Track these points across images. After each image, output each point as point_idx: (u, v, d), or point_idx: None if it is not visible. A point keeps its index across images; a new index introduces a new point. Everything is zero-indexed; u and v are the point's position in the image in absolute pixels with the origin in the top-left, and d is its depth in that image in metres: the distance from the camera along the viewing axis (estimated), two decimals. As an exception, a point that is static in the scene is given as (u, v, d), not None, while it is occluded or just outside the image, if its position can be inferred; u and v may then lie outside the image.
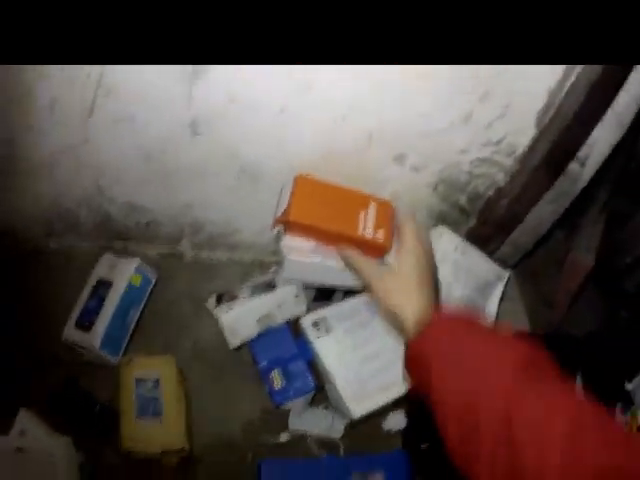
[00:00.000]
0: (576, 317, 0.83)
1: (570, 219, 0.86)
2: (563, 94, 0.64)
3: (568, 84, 0.63)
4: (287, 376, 0.70)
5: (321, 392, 0.73)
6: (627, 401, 0.87)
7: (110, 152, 0.67)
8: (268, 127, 0.64)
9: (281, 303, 0.72)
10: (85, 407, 0.73)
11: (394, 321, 0.51)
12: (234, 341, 0.70)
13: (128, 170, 0.69)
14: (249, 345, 0.73)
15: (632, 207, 0.90)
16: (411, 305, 0.49)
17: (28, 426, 0.72)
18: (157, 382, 0.71)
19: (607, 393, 0.84)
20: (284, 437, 0.71)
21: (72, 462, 0.68)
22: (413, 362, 0.47)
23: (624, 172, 0.88)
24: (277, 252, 0.64)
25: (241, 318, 0.69)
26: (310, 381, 0.70)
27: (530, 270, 0.84)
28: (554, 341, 0.80)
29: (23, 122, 0.65)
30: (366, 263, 0.56)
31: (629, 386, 0.88)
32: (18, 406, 0.71)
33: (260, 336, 0.72)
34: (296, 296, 0.72)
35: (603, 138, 0.73)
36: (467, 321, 0.48)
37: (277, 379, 0.69)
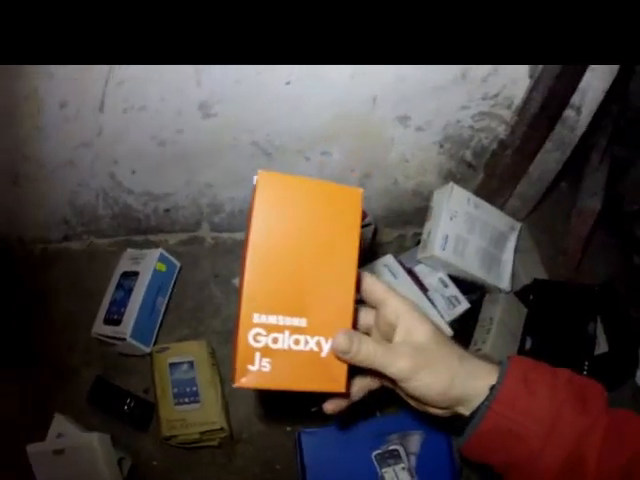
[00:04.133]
0: (592, 265, 0.85)
1: (574, 170, 0.88)
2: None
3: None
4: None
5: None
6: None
7: (124, 142, 0.69)
8: (275, 101, 0.66)
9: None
10: (119, 402, 0.74)
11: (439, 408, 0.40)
12: None
13: (144, 158, 0.71)
14: None
15: (632, 155, 0.93)
16: (451, 380, 0.38)
17: (64, 428, 0.74)
18: (191, 364, 0.72)
19: (626, 339, 0.85)
20: (315, 408, 0.72)
21: (110, 458, 0.69)
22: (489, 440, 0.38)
23: (622, 121, 0.91)
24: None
25: None
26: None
27: (541, 221, 0.85)
28: (571, 291, 0.81)
29: (33, 123, 0.67)
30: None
31: (651, 330, 0.88)
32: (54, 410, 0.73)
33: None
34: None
35: (594, 84, 0.75)
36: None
37: None
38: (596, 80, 0.74)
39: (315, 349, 0.37)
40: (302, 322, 0.36)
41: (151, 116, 0.67)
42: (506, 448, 0.37)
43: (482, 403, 0.37)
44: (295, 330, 0.36)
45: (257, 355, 0.36)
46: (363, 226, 0.73)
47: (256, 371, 0.36)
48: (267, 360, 0.36)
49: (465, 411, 0.39)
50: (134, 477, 0.71)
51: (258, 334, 0.36)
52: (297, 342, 0.36)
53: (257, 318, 0.36)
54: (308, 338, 0.37)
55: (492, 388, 0.37)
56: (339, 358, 0.37)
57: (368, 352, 0.37)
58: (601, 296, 0.82)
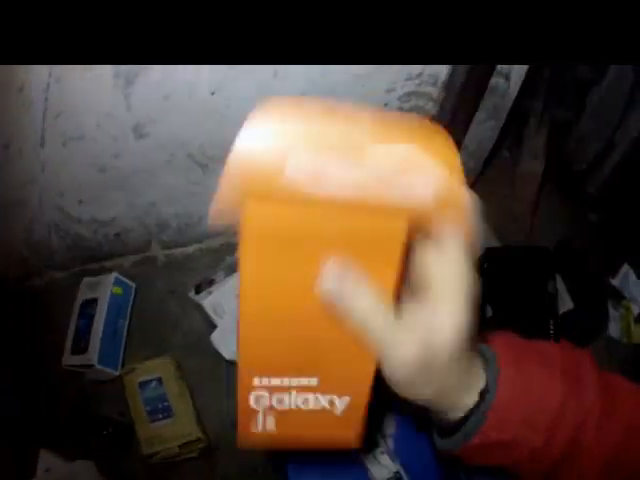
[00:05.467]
0: (544, 227, 0.86)
1: (513, 137, 0.89)
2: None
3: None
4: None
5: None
6: (615, 296, 0.89)
7: (67, 174, 0.71)
8: (204, 112, 0.67)
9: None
10: (98, 429, 0.74)
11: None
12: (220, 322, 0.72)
13: (87, 186, 0.72)
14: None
15: (572, 116, 0.94)
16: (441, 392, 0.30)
17: (51, 463, 0.74)
18: (159, 381, 0.73)
19: (591, 293, 0.86)
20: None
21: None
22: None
23: (555, 83, 0.92)
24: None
25: (221, 298, 0.72)
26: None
27: (486, 191, 0.86)
28: (526, 253, 0.82)
29: None
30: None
31: (614, 282, 0.90)
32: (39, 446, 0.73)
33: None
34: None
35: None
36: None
37: None
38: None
39: (327, 407, 0.31)
40: (312, 381, 0.30)
41: (89, 145, 0.68)
42: (501, 455, 0.32)
43: (472, 410, 0.30)
44: (304, 389, 0.30)
45: (260, 417, 0.31)
46: None
47: (260, 432, 0.31)
48: (272, 421, 0.31)
49: (450, 415, 0.32)
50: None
51: (260, 397, 0.30)
52: (306, 401, 0.31)
53: (258, 382, 0.30)
54: (319, 396, 0.31)
55: (482, 393, 0.30)
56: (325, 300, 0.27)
57: (362, 310, 0.27)
58: (558, 255, 0.83)
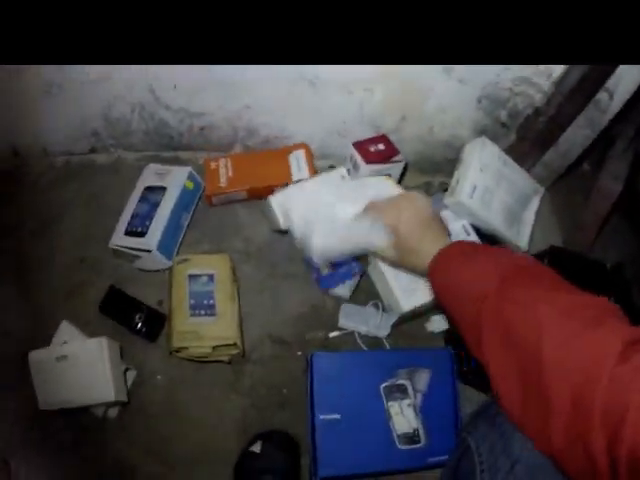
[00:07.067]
0: (605, 246, 0.87)
1: (598, 152, 0.91)
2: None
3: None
4: (333, 263, 0.71)
5: (372, 289, 0.75)
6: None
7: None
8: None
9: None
10: (132, 311, 0.73)
11: (414, 272, 0.61)
12: (285, 221, 0.70)
13: (185, 73, 0.71)
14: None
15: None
16: (421, 259, 0.56)
17: (70, 336, 0.73)
18: (211, 277, 0.71)
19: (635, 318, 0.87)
20: (333, 334, 0.73)
21: (118, 364, 0.68)
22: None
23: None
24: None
25: (291, 198, 0.71)
26: (355, 265, 0.72)
27: (562, 194, 0.88)
28: (586, 263, 0.83)
29: None
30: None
31: (654, 316, 0.91)
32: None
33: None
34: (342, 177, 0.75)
35: (629, 72, 0.78)
36: (462, 249, 0.55)
37: (324, 266, 0.71)
38: (633, 69, 0.77)
39: None
40: None
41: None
42: (447, 272, 0.53)
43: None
44: None
45: None
46: (394, 162, 0.74)
47: None
48: None
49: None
50: (137, 389, 0.70)
51: None
52: None
53: None
54: None
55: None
56: None
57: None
58: (612, 275, 0.84)
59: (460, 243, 0.56)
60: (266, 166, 0.78)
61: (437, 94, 0.75)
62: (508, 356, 0.41)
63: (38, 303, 0.76)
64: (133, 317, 0.73)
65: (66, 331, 0.74)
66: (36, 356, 0.68)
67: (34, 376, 0.67)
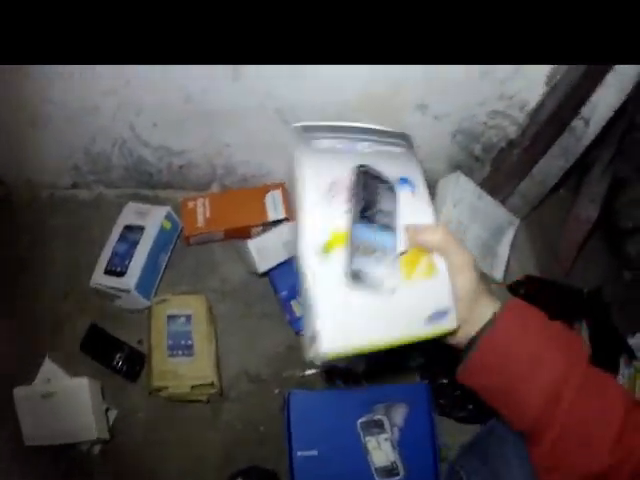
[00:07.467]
0: (583, 271, 0.88)
1: (574, 180, 0.92)
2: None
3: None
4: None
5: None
6: (630, 354, 0.92)
7: (151, 94, 0.70)
8: (304, 72, 0.68)
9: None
10: (112, 350, 0.74)
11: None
12: (262, 266, 0.72)
13: (167, 111, 0.72)
14: (270, 275, 0.76)
15: (633, 174, 0.97)
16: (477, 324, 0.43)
17: (53, 373, 0.74)
18: (189, 318, 0.73)
19: (608, 345, 0.89)
20: (309, 372, 0.74)
21: (99, 404, 0.69)
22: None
23: (627, 139, 0.95)
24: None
25: (268, 243, 0.73)
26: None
27: (538, 223, 0.89)
28: (561, 290, 0.84)
29: (61, 68, 0.67)
30: None
31: (632, 341, 0.93)
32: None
33: (280, 266, 0.75)
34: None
35: (604, 99, 0.79)
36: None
37: (297, 307, 0.72)
38: (608, 96, 0.77)
39: None
40: None
41: (181, 72, 0.67)
42: (498, 371, 0.41)
43: (483, 327, 0.42)
44: None
45: None
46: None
47: None
48: None
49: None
50: (119, 425, 0.71)
51: None
52: None
53: None
54: None
55: (494, 315, 0.42)
56: None
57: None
58: (589, 300, 0.86)
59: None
60: (243, 206, 0.79)
61: (412, 130, 0.75)
62: None
63: (22, 337, 0.77)
64: (113, 356, 0.74)
65: (49, 368, 0.75)
66: (21, 392, 0.69)
67: (19, 412, 0.68)
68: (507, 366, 0.41)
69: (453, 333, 0.41)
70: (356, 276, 0.38)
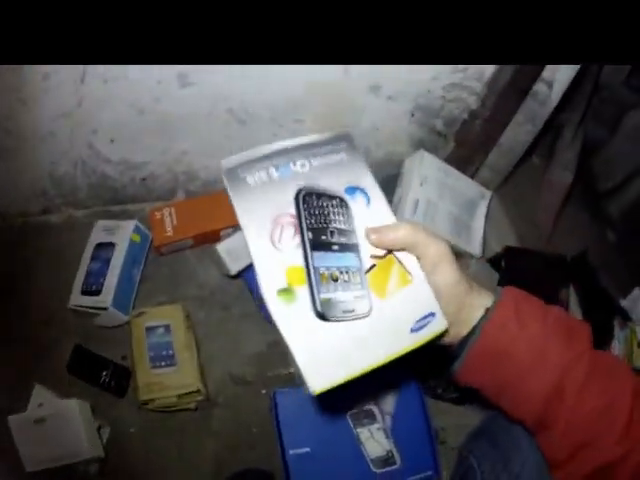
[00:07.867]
0: (564, 237, 0.87)
1: (546, 145, 0.90)
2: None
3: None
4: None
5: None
6: (624, 316, 0.90)
7: (104, 112, 0.70)
8: (249, 69, 0.67)
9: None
10: (98, 369, 0.74)
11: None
12: (233, 267, 0.72)
13: (122, 126, 0.72)
14: (244, 277, 0.75)
15: (605, 134, 0.95)
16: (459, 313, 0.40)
17: (44, 398, 0.74)
18: (167, 328, 0.73)
19: (599, 309, 0.87)
20: (294, 369, 0.73)
21: (90, 424, 0.70)
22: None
23: (594, 99, 0.93)
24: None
25: (237, 243, 0.72)
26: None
27: (512, 193, 0.88)
28: (543, 258, 0.83)
29: (16, 96, 0.67)
30: None
31: (624, 303, 0.91)
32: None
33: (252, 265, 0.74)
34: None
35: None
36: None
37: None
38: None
39: None
40: None
41: (131, 86, 0.68)
42: (497, 369, 0.39)
43: (476, 324, 0.39)
44: None
45: None
46: None
47: None
48: None
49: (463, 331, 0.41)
50: (113, 444, 0.71)
51: None
52: None
53: None
54: None
55: (487, 310, 0.39)
56: None
57: None
58: (574, 266, 0.84)
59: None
60: (210, 211, 0.78)
61: (368, 114, 0.75)
62: None
63: (9, 366, 0.77)
64: (100, 375, 0.74)
65: (40, 393, 0.75)
66: (15, 420, 0.69)
67: (16, 439, 0.68)
68: (506, 363, 0.39)
69: (444, 334, 0.39)
70: (326, 307, 0.36)
